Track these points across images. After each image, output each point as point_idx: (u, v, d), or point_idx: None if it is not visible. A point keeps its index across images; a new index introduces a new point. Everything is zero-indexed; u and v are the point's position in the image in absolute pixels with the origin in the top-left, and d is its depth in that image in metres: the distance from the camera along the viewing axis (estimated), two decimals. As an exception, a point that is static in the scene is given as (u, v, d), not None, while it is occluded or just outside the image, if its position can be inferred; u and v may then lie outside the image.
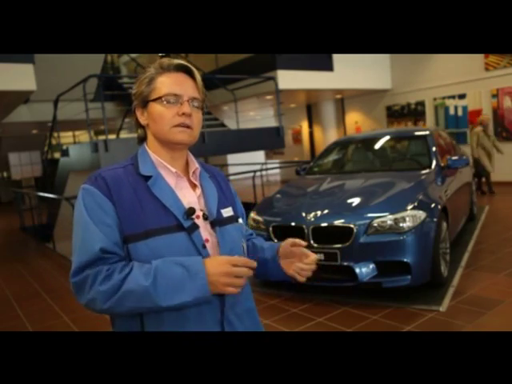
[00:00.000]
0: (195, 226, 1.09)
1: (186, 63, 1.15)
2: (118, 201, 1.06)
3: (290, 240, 1.23)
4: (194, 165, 1.20)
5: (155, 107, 1.11)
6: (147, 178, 1.11)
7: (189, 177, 1.18)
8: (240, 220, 1.26)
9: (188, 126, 1.11)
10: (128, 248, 1.06)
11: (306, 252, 1.21)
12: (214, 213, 1.15)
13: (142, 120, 1.16)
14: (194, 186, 1.18)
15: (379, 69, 10.89)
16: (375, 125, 11.66)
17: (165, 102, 1.10)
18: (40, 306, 4.32)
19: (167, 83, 1.11)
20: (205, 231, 1.12)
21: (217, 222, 1.15)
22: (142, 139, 1.20)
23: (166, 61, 1.14)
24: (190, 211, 1.10)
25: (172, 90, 1.10)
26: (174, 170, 1.14)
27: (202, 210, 1.14)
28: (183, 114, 1.09)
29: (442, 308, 3.32)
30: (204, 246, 1.10)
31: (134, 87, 1.16)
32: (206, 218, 1.14)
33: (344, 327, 3.17)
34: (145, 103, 1.13)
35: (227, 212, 1.20)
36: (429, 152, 4.63)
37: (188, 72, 1.14)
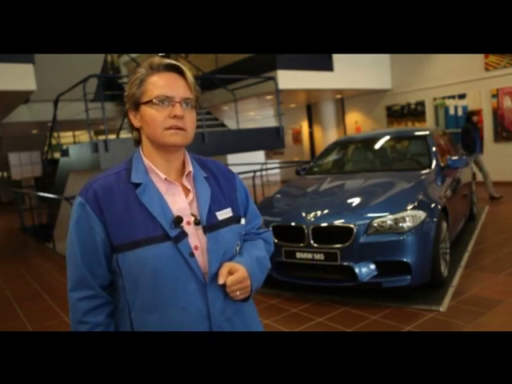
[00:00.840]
0: (183, 235, 1.08)
1: (176, 63, 1.12)
2: (108, 212, 1.08)
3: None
4: (188, 167, 1.17)
5: (147, 110, 1.09)
6: (137, 185, 1.10)
7: (182, 180, 1.16)
8: (242, 220, 1.23)
9: (181, 128, 1.09)
10: (117, 257, 1.08)
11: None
12: (205, 218, 1.13)
13: (135, 123, 1.14)
14: (187, 191, 1.16)
15: (379, 69, 10.89)
16: (375, 125, 11.66)
17: (156, 105, 1.08)
18: (40, 306, 4.32)
19: (158, 85, 1.09)
20: (195, 238, 1.11)
21: (208, 227, 1.13)
22: (138, 141, 1.19)
23: (155, 61, 1.12)
24: (178, 220, 1.09)
25: (163, 92, 1.08)
26: (163, 176, 1.12)
27: (193, 215, 1.13)
28: (175, 116, 1.08)
29: (442, 308, 3.32)
30: (192, 255, 1.09)
31: (126, 89, 1.14)
32: (197, 223, 1.12)
33: (344, 327, 3.17)
34: (137, 106, 1.11)
35: (224, 214, 1.17)
36: (429, 152, 4.63)
37: (179, 71, 1.12)
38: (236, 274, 1.11)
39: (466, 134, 7.44)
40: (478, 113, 9.10)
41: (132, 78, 1.13)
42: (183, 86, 1.11)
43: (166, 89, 1.08)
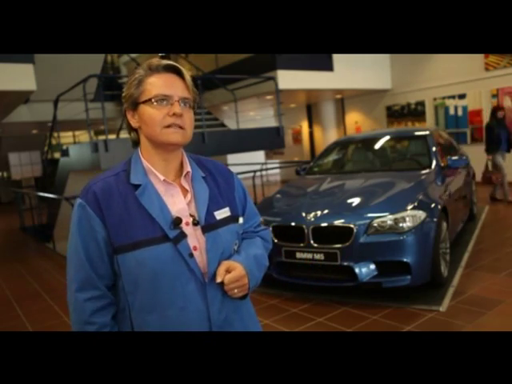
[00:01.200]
0: (182, 236, 1.09)
1: (174, 63, 1.14)
2: (108, 214, 1.08)
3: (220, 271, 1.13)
4: (187, 167, 1.18)
5: (145, 109, 1.10)
6: (137, 186, 1.11)
7: (180, 181, 1.16)
8: (240, 219, 1.24)
9: (180, 127, 1.10)
10: (117, 259, 1.08)
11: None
12: (203, 219, 1.14)
13: (134, 123, 1.15)
14: (185, 191, 1.16)
15: (379, 69, 10.89)
16: (375, 125, 11.66)
17: (155, 104, 1.09)
18: (40, 306, 4.32)
19: (156, 84, 1.10)
20: (193, 238, 1.12)
21: (206, 227, 1.14)
22: (136, 142, 1.19)
23: (154, 62, 1.13)
24: (177, 221, 1.09)
25: (162, 91, 1.09)
26: (162, 177, 1.13)
27: (192, 216, 1.13)
28: (174, 114, 1.08)
29: (442, 308, 3.32)
30: (191, 255, 1.09)
31: (124, 90, 1.15)
32: (196, 223, 1.13)
33: (344, 327, 3.17)
34: (135, 105, 1.12)
35: (222, 214, 1.18)
36: (429, 152, 4.63)
37: (177, 72, 1.13)
38: (233, 272, 1.12)
39: (489, 131, 7.13)
40: (478, 112, 9.09)
41: (130, 78, 1.14)
42: (181, 86, 1.12)
43: (164, 88, 1.10)
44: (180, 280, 1.08)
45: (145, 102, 1.10)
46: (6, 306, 4.42)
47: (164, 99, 1.09)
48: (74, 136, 15.94)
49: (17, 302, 4.55)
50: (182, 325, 1.09)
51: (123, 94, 1.15)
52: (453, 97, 10.00)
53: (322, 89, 9.90)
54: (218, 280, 1.10)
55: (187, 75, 1.14)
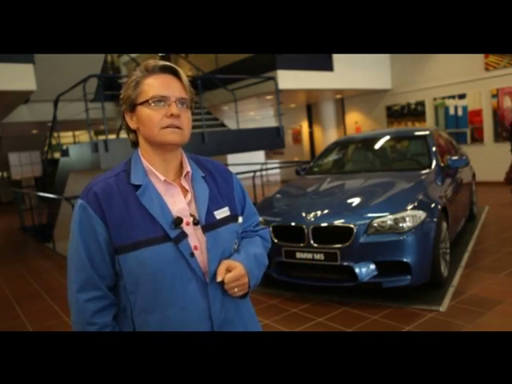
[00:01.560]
0: (183, 236, 1.10)
1: (170, 64, 1.15)
2: (109, 214, 1.09)
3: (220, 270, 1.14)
4: (187, 168, 1.19)
5: (143, 110, 1.11)
6: (137, 187, 1.12)
7: (180, 181, 1.17)
8: (240, 218, 1.25)
9: (177, 127, 1.11)
10: (118, 259, 1.09)
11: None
12: (203, 218, 1.14)
13: (132, 124, 1.15)
14: (185, 191, 1.17)
15: (379, 69, 10.89)
16: (375, 125, 11.66)
17: (152, 105, 1.10)
18: (40, 306, 4.32)
19: (153, 85, 1.11)
20: (194, 238, 1.12)
21: (207, 227, 1.14)
22: (135, 143, 1.20)
23: (151, 63, 1.14)
24: (178, 221, 1.10)
25: (159, 92, 1.10)
26: (162, 178, 1.14)
27: (192, 216, 1.14)
28: (171, 115, 1.09)
29: (442, 308, 3.32)
30: (192, 255, 1.10)
31: (122, 92, 1.16)
32: (196, 223, 1.14)
33: (344, 327, 3.17)
34: (133, 107, 1.13)
35: (221, 213, 1.19)
36: (429, 152, 4.63)
37: (174, 73, 1.14)
38: (234, 272, 1.12)
39: None
40: (478, 112, 9.06)
41: (128, 80, 1.15)
42: (178, 87, 1.13)
43: (161, 89, 1.10)
44: (181, 280, 1.09)
45: (142, 103, 1.11)
46: (6, 306, 4.42)
47: (161, 100, 1.10)
48: (74, 136, 15.94)
49: (17, 302, 4.55)
50: (183, 324, 1.09)
51: (121, 96, 1.16)
52: (453, 97, 10.00)
53: (321, 89, 9.91)
54: (219, 279, 1.11)
55: (184, 76, 1.15)
